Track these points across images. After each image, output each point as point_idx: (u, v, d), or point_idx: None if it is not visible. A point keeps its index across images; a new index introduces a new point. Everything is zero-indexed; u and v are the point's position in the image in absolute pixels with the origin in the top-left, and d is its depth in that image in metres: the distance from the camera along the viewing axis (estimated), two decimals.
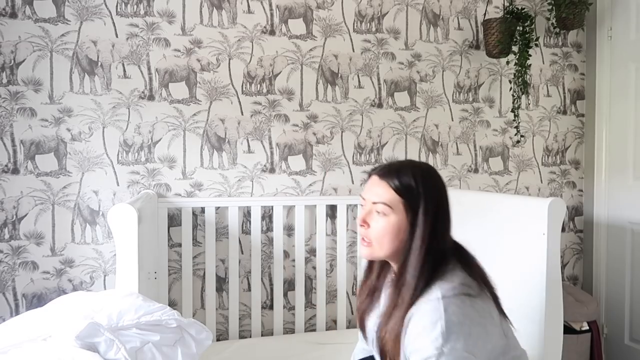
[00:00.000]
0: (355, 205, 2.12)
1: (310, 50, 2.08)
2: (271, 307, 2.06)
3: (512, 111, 2.24)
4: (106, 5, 1.87)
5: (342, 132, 2.13)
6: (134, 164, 1.92)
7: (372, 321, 1.09)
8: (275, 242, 2.01)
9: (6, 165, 1.81)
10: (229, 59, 2.00)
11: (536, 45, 2.21)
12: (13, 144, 1.82)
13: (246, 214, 2.03)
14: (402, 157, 2.19)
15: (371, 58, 2.15)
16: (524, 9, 2.16)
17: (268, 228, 2.05)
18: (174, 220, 1.96)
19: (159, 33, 1.93)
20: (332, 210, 2.11)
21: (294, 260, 2.05)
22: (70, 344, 0.91)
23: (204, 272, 1.96)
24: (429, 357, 0.89)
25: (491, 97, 2.31)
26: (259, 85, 2.03)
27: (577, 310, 2.03)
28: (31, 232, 1.84)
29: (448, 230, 1.04)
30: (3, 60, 1.80)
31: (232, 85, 2.01)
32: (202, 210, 1.97)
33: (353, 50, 2.13)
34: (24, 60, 1.81)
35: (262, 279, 2.04)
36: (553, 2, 2.19)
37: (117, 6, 1.88)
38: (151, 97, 1.93)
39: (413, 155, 2.20)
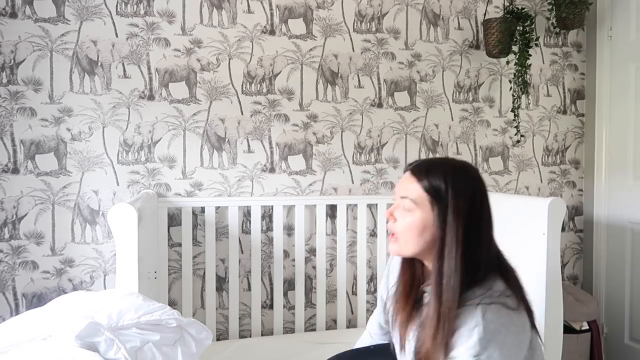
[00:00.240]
0: (355, 205, 2.12)
1: (310, 50, 2.08)
2: (271, 307, 2.06)
3: (512, 111, 2.24)
4: (106, 5, 1.87)
5: (342, 131, 2.13)
6: (134, 163, 1.92)
7: (409, 329, 1.03)
8: (275, 241, 2.01)
9: (6, 165, 1.81)
10: (229, 59, 2.00)
11: (536, 45, 2.21)
12: (13, 144, 1.82)
13: (246, 213, 2.03)
14: (402, 157, 2.20)
15: (371, 58, 2.15)
16: (524, 8, 2.16)
17: (268, 228, 2.05)
18: (174, 219, 1.96)
19: (159, 33, 1.93)
20: (332, 210, 2.11)
21: (294, 260, 2.05)
22: (70, 344, 0.91)
23: (204, 272, 1.96)
24: None
25: (491, 97, 2.31)
26: (259, 85, 2.03)
27: (577, 310, 2.03)
28: (31, 231, 1.84)
29: (486, 235, 0.98)
30: (3, 60, 1.80)
31: (232, 85, 2.01)
32: (202, 210, 1.97)
33: (353, 50, 2.13)
34: (24, 60, 1.81)
35: (262, 278, 2.04)
36: (553, 1, 2.19)
37: (117, 6, 1.88)
38: (151, 97, 1.93)
39: (413, 156, 2.20)
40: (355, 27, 2.13)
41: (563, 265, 2.43)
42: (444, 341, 0.89)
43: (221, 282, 2.01)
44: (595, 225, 2.36)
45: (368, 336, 1.31)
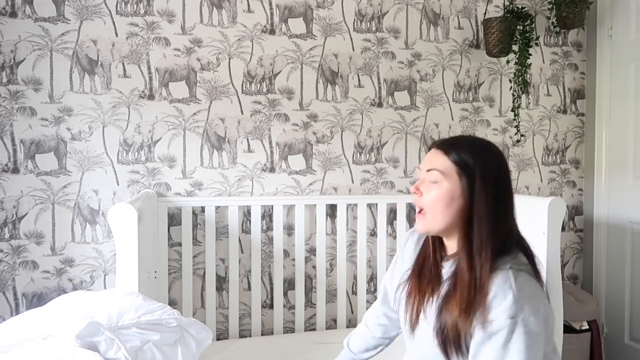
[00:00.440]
0: (355, 204, 2.12)
1: (310, 49, 2.08)
2: (271, 307, 2.06)
3: (512, 110, 2.24)
4: (106, 5, 1.87)
5: (342, 131, 2.13)
6: (134, 163, 1.92)
7: (425, 307, 1.02)
8: (275, 241, 2.01)
9: (6, 165, 1.81)
10: (229, 58, 2.00)
11: (536, 44, 2.21)
12: (13, 144, 1.82)
13: (246, 213, 2.03)
14: (402, 157, 2.20)
15: (371, 57, 2.15)
16: (524, 8, 2.16)
17: (268, 227, 2.05)
18: (174, 219, 1.96)
19: (159, 32, 1.93)
20: (332, 210, 2.11)
21: (294, 260, 2.05)
22: (71, 343, 0.91)
23: (204, 272, 1.96)
24: (502, 329, 0.87)
25: (491, 97, 2.31)
26: (259, 85, 2.03)
27: (577, 310, 2.03)
28: (31, 231, 1.84)
29: (510, 209, 0.99)
30: (3, 60, 1.80)
31: (232, 85, 2.00)
32: (202, 209, 1.97)
33: (353, 50, 2.13)
34: (24, 60, 1.81)
35: (262, 278, 2.04)
36: (553, 1, 2.19)
37: (117, 5, 1.88)
38: (151, 97, 1.93)
39: (413, 156, 2.20)
40: (355, 26, 2.13)
41: (563, 265, 2.43)
42: (476, 308, 0.90)
43: (221, 282, 2.01)
44: (595, 225, 2.36)
45: (364, 327, 1.30)
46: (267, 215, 2.05)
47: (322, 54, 2.09)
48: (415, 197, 1.01)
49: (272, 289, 2.06)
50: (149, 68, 1.92)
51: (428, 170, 0.99)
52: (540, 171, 2.38)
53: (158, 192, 1.94)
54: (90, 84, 1.87)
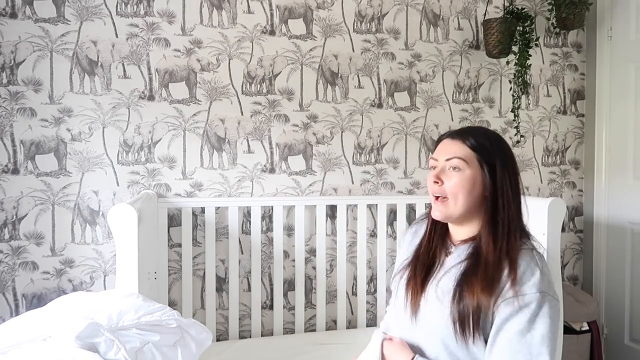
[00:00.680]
0: (355, 205, 2.12)
1: (310, 50, 2.08)
2: (271, 307, 2.06)
3: (512, 111, 2.24)
4: (106, 6, 1.87)
5: (342, 132, 2.13)
6: (134, 164, 1.92)
7: (435, 288, 1.04)
8: (275, 242, 2.01)
9: (6, 166, 1.81)
10: (229, 59, 2.00)
11: (536, 45, 2.21)
12: (13, 144, 1.82)
13: (246, 214, 2.03)
14: (402, 158, 2.20)
15: (371, 58, 2.15)
16: (524, 9, 2.16)
17: (268, 228, 2.05)
18: (174, 220, 1.96)
19: (159, 33, 1.93)
20: (332, 211, 2.11)
21: (294, 261, 2.05)
22: (70, 344, 0.91)
23: (204, 272, 1.96)
24: (532, 302, 0.92)
25: (491, 97, 2.31)
26: (259, 86, 2.03)
27: (577, 311, 2.03)
28: (31, 232, 1.84)
29: (520, 195, 1.05)
30: (3, 61, 1.80)
31: (232, 86, 2.01)
32: (202, 210, 1.97)
33: (353, 51, 2.13)
34: (24, 61, 1.81)
35: (262, 279, 2.04)
36: (553, 2, 2.19)
37: (117, 6, 1.88)
38: (151, 97, 1.93)
39: (413, 156, 2.20)
40: (355, 27, 2.13)
41: (563, 266, 2.43)
42: (503, 285, 0.94)
43: (221, 283, 2.01)
44: (595, 225, 2.36)
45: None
46: (267, 216, 2.05)
47: (322, 55, 2.10)
48: (436, 186, 1.04)
49: (272, 289, 2.06)
50: (149, 69, 1.92)
51: (448, 159, 1.03)
52: (540, 172, 2.38)
53: (158, 193, 1.94)
54: (90, 84, 1.87)
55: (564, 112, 2.41)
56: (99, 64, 1.88)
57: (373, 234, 2.16)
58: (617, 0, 2.24)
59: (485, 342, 0.96)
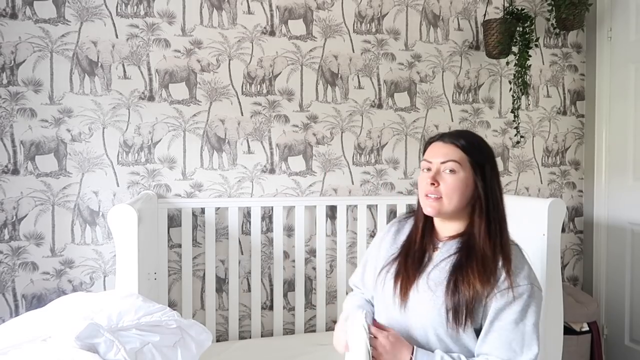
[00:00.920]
0: (355, 206, 2.12)
1: (310, 50, 2.08)
2: (271, 308, 2.06)
3: (512, 112, 2.24)
4: (106, 6, 1.88)
5: (342, 132, 2.13)
6: (134, 164, 1.92)
7: (416, 283, 1.10)
8: (275, 242, 2.01)
9: (6, 166, 1.81)
10: (229, 60, 2.00)
11: (536, 45, 2.21)
12: (13, 145, 1.82)
13: (246, 214, 2.03)
14: (402, 158, 2.20)
15: (371, 59, 2.15)
16: (523, 9, 2.16)
17: (268, 229, 2.05)
18: (173, 220, 1.96)
19: (159, 34, 1.93)
20: (332, 211, 2.11)
21: (294, 261, 2.05)
22: (70, 345, 0.91)
23: (204, 273, 1.96)
24: (524, 292, 1.01)
25: (491, 98, 2.31)
26: (259, 86, 2.03)
27: (577, 311, 2.03)
28: (31, 232, 1.84)
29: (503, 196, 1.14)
30: (3, 61, 1.80)
31: (232, 86, 2.01)
32: (202, 210, 1.97)
33: (353, 51, 2.13)
34: (24, 61, 1.81)
35: (262, 279, 2.04)
36: (553, 2, 2.19)
37: (117, 7, 1.89)
38: (151, 98, 1.93)
39: (413, 157, 2.20)
40: (355, 28, 2.13)
41: (563, 267, 2.43)
42: (497, 276, 1.02)
43: (221, 283, 2.01)
44: (595, 226, 2.36)
45: (360, 294, 1.33)
46: (267, 216, 2.05)
47: (322, 56, 2.10)
48: (432, 188, 1.09)
49: (272, 290, 2.06)
50: (149, 69, 1.92)
51: (443, 162, 1.09)
52: (540, 172, 2.38)
53: (158, 193, 1.94)
54: (91, 85, 1.87)
55: (564, 113, 2.41)
56: (99, 64, 1.88)
57: (373, 235, 2.16)
58: (616, 1, 2.24)
59: (475, 330, 1.03)
